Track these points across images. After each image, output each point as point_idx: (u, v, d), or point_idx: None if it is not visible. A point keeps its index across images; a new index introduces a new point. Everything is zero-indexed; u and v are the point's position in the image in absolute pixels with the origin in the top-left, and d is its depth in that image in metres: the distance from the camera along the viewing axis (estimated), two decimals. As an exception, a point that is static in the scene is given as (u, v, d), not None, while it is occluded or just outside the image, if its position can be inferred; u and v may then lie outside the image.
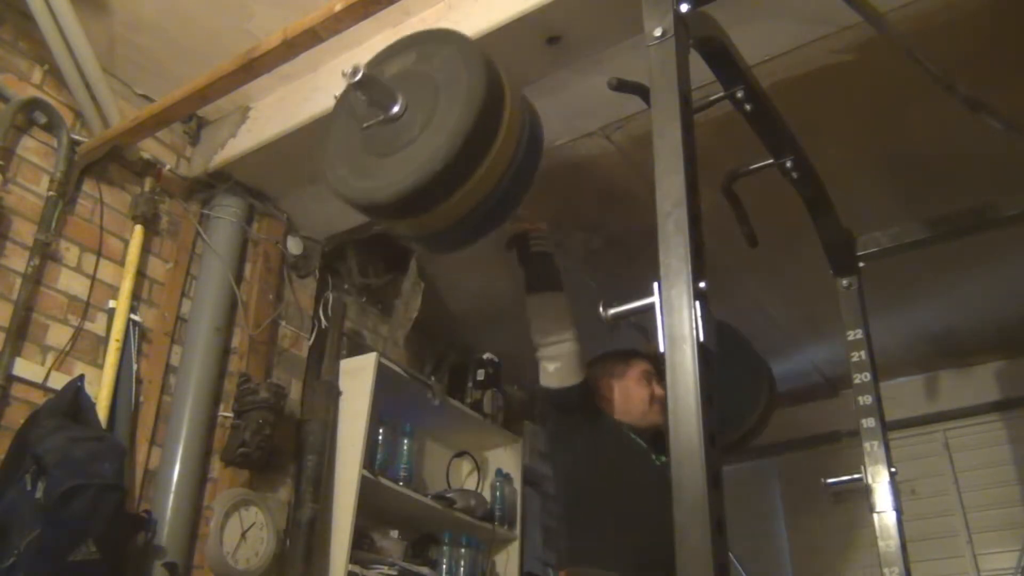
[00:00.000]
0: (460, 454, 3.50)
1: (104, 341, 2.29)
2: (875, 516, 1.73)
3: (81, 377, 2.11)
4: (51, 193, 2.26)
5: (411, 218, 1.56)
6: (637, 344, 2.36)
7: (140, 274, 2.43)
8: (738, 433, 2.33)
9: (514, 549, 3.32)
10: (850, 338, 1.91)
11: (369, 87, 1.47)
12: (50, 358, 2.18)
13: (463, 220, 1.53)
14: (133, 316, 2.35)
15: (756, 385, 2.45)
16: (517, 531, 3.35)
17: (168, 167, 2.61)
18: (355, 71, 1.44)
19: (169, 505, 2.23)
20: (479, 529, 3.15)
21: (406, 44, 1.65)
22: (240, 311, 2.63)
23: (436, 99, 1.47)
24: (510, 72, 2.20)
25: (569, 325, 2.03)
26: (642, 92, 1.56)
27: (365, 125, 1.52)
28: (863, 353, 1.88)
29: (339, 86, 2.43)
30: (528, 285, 2.07)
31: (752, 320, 3.48)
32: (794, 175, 1.74)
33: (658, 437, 2.15)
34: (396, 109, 1.49)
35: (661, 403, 2.14)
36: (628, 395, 2.16)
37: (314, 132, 2.37)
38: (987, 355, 3.75)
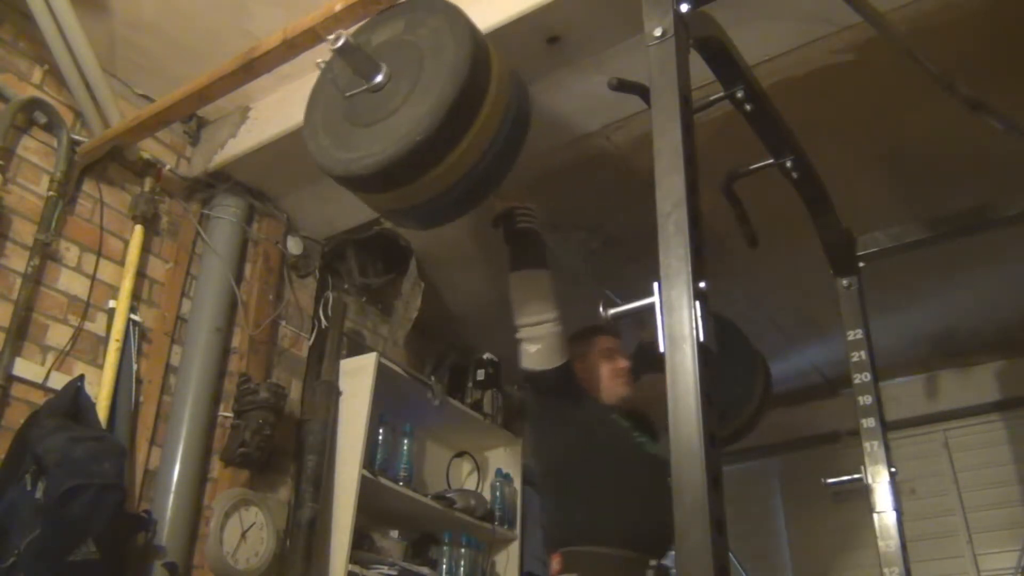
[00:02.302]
0: (460, 454, 3.50)
1: (104, 341, 2.29)
2: (875, 516, 1.73)
3: (81, 377, 2.11)
4: (51, 193, 2.26)
5: (392, 191, 1.51)
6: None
7: (140, 274, 2.43)
8: (731, 428, 2.34)
9: (514, 549, 3.32)
10: (850, 338, 1.91)
11: (352, 55, 1.44)
12: (50, 358, 2.18)
13: (446, 193, 1.49)
14: (133, 316, 2.35)
15: (751, 379, 2.45)
16: (517, 531, 3.34)
17: (168, 167, 2.61)
18: (337, 37, 1.42)
19: (169, 505, 2.23)
20: (479, 529, 3.15)
21: (396, 12, 1.62)
22: (240, 311, 2.63)
23: (420, 69, 1.42)
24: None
25: (552, 306, 2.02)
26: (642, 92, 1.56)
27: (348, 94, 1.49)
28: (863, 353, 1.88)
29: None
30: (512, 263, 2.06)
31: (752, 320, 3.48)
32: (794, 175, 1.75)
33: (643, 419, 2.17)
34: (379, 78, 1.45)
35: (625, 375, 2.18)
36: (594, 373, 2.18)
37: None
38: (987, 355, 3.75)
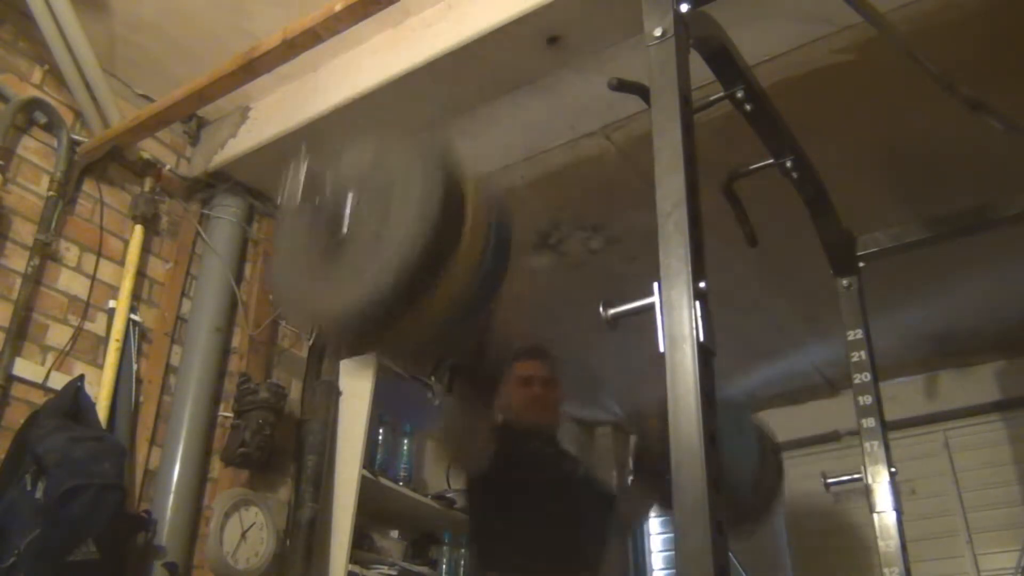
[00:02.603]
0: (460, 454, 3.50)
1: (104, 341, 2.29)
2: (875, 516, 1.73)
3: (81, 377, 2.11)
4: (51, 193, 2.26)
5: (367, 339, 1.43)
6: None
7: (140, 274, 2.43)
8: (742, 515, 2.24)
9: (514, 549, 3.32)
10: (850, 338, 1.91)
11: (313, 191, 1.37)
12: (50, 358, 2.18)
13: (428, 335, 1.36)
14: (133, 316, 2.35)
15: (761, 466, 2.35)
16: (517, 531, 3.34)
17: (168, 167, 2.61)
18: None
19: (169, 505, 2.24)
20: (479, 529, 3.15)
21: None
22: (240, 311, 2.63)
23: (387, 212, 1.28)
24: (510, 72, 2.22)
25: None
26: (642, 92, 1.56)
27: (309, 241, 1.40)
28: (863, 353, 1.88)
29: (339, 86, 2.44)
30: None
31: (752, 320, 3.49)
32: (794, 175, 1.74)
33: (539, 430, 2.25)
34: (344, 231, 1.32)
35: (540, 403, 2.25)
36: (511, 397, 2.25)
37: (314, 132, 2.37)
38: (987, 355, 3.74)
